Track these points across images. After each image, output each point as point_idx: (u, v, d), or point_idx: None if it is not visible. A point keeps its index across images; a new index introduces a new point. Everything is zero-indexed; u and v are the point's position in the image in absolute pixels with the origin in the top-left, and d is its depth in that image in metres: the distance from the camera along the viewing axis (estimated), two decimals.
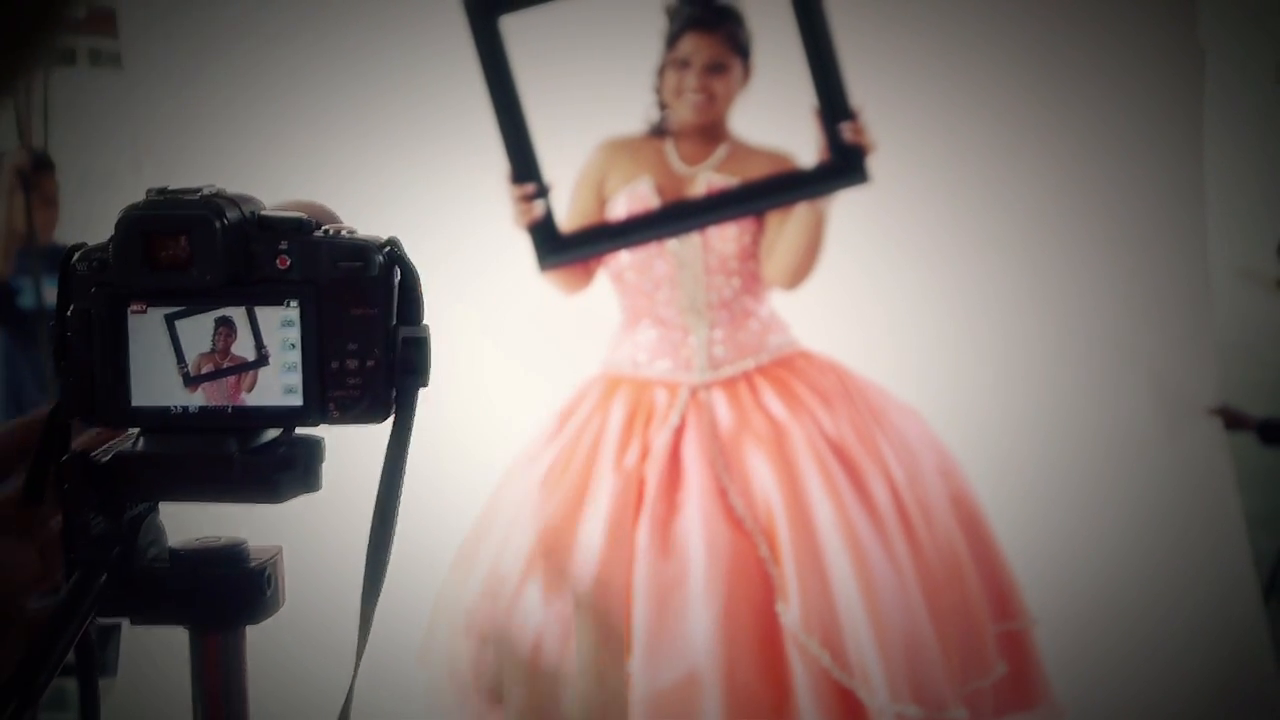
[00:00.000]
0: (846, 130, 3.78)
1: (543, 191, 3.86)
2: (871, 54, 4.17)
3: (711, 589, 3.67)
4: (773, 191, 3.88)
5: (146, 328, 0.96)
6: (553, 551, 3.78)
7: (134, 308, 0.96)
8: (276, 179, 4.58)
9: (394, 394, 0.97)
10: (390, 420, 0.97)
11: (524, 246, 3.90)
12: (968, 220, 4.62)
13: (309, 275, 0.96)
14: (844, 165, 3.80)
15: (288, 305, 0.96)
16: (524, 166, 3.85)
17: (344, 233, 0.98)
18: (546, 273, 3.95)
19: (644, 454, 3.86)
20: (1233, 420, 4.77)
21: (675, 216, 3.89)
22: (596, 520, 3.78)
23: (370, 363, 0.96)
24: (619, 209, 3.95)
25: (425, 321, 0.99)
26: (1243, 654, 4.60)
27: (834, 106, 3.79)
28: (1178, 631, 4.45)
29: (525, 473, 3.98)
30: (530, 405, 4.19)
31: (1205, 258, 4.87)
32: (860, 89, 3.83)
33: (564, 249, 3.90)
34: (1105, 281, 4.74)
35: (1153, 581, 4.48)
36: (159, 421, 0.96)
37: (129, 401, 0.96)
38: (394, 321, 0.97)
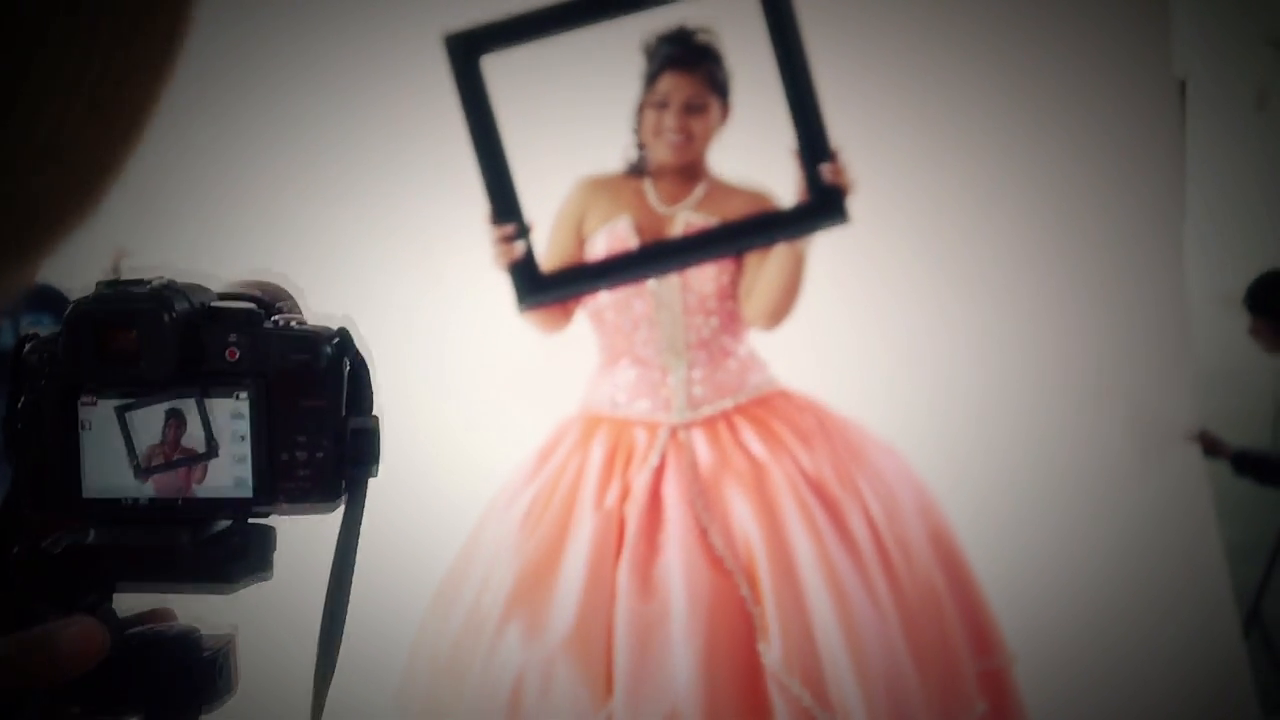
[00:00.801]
0: (826, 171, 3.78)
1: (523, 232, 3.86)
2: (851, 93, 4.19)
3: (692, 629, 3.66)
4: (752, 232, 3.88)
5: (97, 419, 0.97)
6: (533, 592, 3.77)
7: (85, 400, 0.96)
8: (256, 210, 4.59)
9: (344, 484, 0.97)
10: (340, 509, 0.98)
11: (503, 286, 3.91)
12: (946, 258, 4.63)
13: (258, 367, 0.96)
14: (823, 205, 3.80)
15: (237, 397, 0.96)
16: (504, 207, 3.86)
17: (294, 322, 0.98)
18: (526, 312, 3.95)
19: (624, 494, 3.86)
20: (1211, 446, 4.80)
21: (655, 256, 3.90)
22: (577, 560, 3.77)
23: (320, 454, 0.96)
24: (598, 248, 3.95)
25: (375, 411, 0.99)
26: (1222, 686, 4.61)
27: (813, 147, 3.79)
28: (1157, 664, 4.46)
29: (505, 512, 3.97)
30: (509, 444, 4.19)
31: (1182, 289, 4.88)
32: (839, 129, 3.83)
33: (544, 289, 3.90)
34: (1083, 314, 4.76)
35: (1132, 614, 4.49)
36: (111, 513, 0.97)
37: (80, 493, 0.97)
38: (343, 412, 0.97)
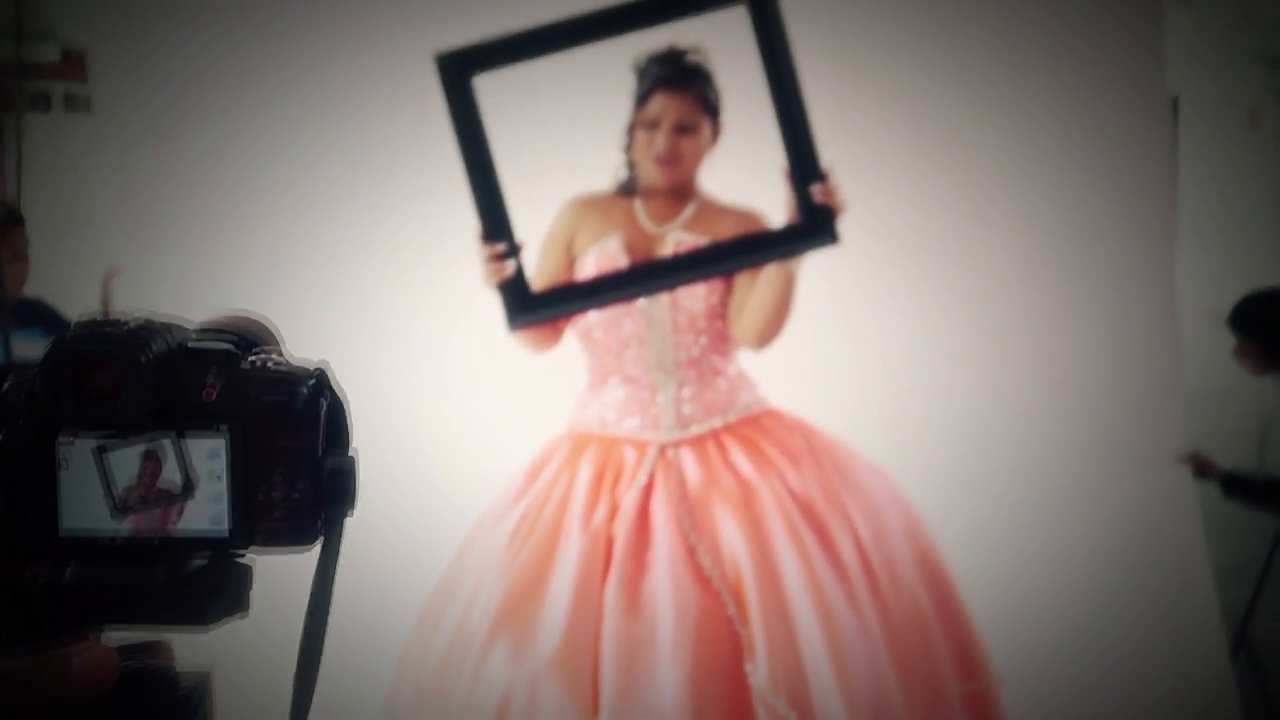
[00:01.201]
0: (816, 191, 3.78)
1: (513, 251, 3.86)
2: (842, 113, 4.19)
3: (680, 648, 3.66)
4: (742, 252, 3.89)
5: (75, 457, 0.97)
6: (520, 610, 3.77)
7: (63, 438, 0.97)
8: (248, 226, 4.60)
9: (320, 523, 0.98)
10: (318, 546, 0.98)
11: (493, 304, 3.91)
12: (936, 278, 4.64)
13: (236, 406, 0.97)
14: (814, 226, 3.81)
15: (214, 436, 0.96)
16: (495, 226, 3.86)
17: (273, 359, 0.99)
18: (515, 331, 3.95)
19: (612, 513, 3.86)
20: (1201, 468, 4.79)
21: (645, 276, 3.90)
22: (564, 579, 3.78)
23: (296, 493, 0.97)
24: (588, 267, 3.96)
25: (352, 449, 1.00)
26: (1208, 708, 4.62)
27: (804, 168, 3.79)
28: (1144, 686, 4.46)
29: (493, 531, 3.97)
30: (497, 462, 4.19)
31: (1174, 308, 4.89)
32: (830, 149, 3.83)
33: (534, 308, 3.91)
34: (1074, 332, 4.77)
35: (1119, 635, 4.49)
36: (88, 550, 0.97)
37: (58, 530, 0.97)
38: (320, 451, 0.98)
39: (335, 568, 0.98)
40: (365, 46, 4.62)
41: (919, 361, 4.65)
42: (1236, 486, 4.76)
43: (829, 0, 4.52)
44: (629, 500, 3.86)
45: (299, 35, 4.70)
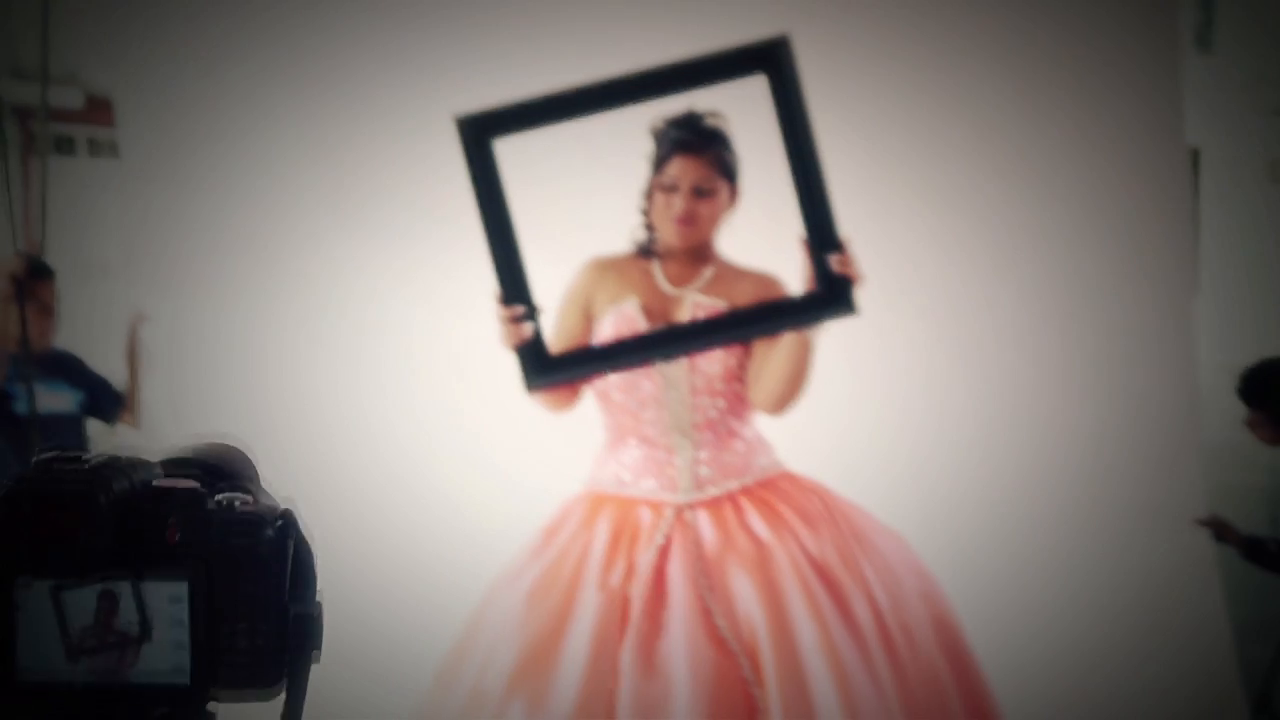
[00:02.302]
0: (834, 261, 3.78)
1: (532, 313, 3.87)
2: (860, 182, 4.18)
3: (695, 709, 3.65)
4: (759, 319, 3.88)
5: (33, 601, 0.96)
6: (536, 669, 3.77)
7: (20, 581, 0.96)
8: (269, 274, 4.61)
9: (285, 669, 0.96)
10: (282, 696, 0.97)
11: (510, 364, 3.91)
12: (952, 340, 4.62)
13: (199, 549, 0.95)
14: (831, 296, 3.80)
15: (175, 580, 0.95)
16: (514, 288, 3.87)
17: (239, 499, 0.98)
18: (533, 393, 3.96)
19: (629, 573, 3.85)
20: (1221, 531, 4.74)
21: (663, 340, 3.90)
22: (581, 638, 3.77)
23: (260, 640, 0.95)
24: (606, 329, 3.96)
25: (318, 597, 0.98)
26: None
27: (822, 237, 3.79)
28: None
29: (509, 589, 3.96)
30: (515, 521, 4.19)
31: (1194, 366, 4.86)
32: (848, 216, 3.82)
33: (551, 370, 3.91)
34: (1092, 392, 4.74)
35: (1137, 700, 4.46)
36: (45, 699, 0.96)
37: (15, 677, 0.96)
38: (286, 596, 0.96)
39: (300, 715, 0.97)
40: (388, 104, 4.64)
41: (935, 426, 4.64)
42: (1258, 551, 4.70)
43: (848, 70, 4.52)
44: (645, 561, 3.85)
45: (323, 91, 4.72)
